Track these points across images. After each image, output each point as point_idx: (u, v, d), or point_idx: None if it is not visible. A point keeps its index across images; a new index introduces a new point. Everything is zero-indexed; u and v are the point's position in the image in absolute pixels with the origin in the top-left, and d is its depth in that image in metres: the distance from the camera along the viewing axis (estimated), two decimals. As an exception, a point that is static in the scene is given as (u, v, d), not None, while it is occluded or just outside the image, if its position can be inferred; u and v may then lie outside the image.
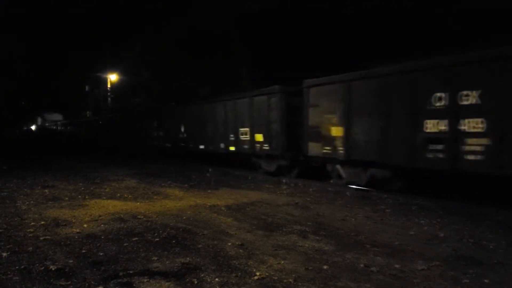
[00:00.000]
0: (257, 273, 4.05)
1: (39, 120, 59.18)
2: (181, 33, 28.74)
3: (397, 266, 4.33)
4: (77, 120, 47.30)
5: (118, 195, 8.77)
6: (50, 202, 7.86)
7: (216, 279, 3.90)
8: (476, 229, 5.91)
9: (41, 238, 5.30)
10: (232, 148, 13.92)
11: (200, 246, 5.01)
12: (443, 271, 4.19)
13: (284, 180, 11.12)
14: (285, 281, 3.88)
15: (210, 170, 13.54)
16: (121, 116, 29.25)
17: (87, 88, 53.10)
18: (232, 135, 13.94)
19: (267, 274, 4.05)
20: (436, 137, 7.65)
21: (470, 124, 7.13)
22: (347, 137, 9.52)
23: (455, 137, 7.34)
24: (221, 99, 14.58)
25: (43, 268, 4.20)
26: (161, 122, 20.89)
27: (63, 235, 5.48)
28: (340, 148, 9.71)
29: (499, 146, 6.73)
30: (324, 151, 10.20)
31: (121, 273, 4.04)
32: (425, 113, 7.76)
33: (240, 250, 4.84)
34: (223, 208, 7.40)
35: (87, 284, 3.79)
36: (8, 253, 4.68)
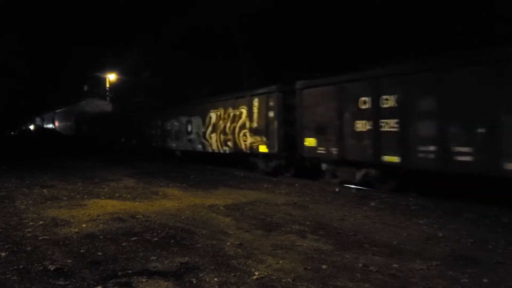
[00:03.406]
0: (256, 273, 4.05)
1: (38, 120, 58.62)
2: (181, 33, 28.74)
3: (395, 265, 4.33)
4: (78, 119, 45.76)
5: (117, 194, 8.76)
6: (48, 202, 7.86)
7: (215, 279, 3.90)
8: (475, 229, 5.92)
9: (40, 238, 5.30)
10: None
11: (199, 245, 5.01)
12: (442, 270, 4.19)
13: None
14: (284, 280, 3.88)
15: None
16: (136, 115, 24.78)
17: (85, 87, 52.97)
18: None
19: (266, 273, 4.05)
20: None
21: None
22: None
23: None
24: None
25: (41, 268, 4.19)
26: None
27: (61, 235, 5.48)
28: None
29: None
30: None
31: (119, 273, 4.04)
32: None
33: (239, 250, 4.84)
34: (221, 208, 7.40)
35: (85, 284, 3.78)
36: (7, 252, 4.68)
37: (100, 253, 4.67)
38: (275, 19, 20.37)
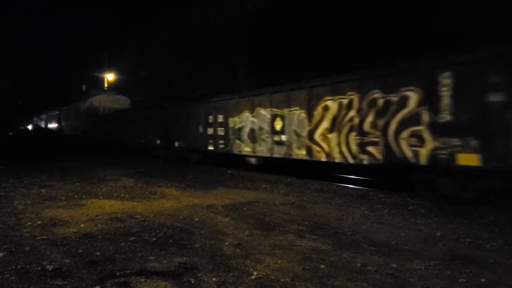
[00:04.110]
0: (254, 273, 4.05)
1: (36, 120, 58.45)
2: (180, 33, 28.76)
3: (393, 265, 4.34)
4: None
5: (115, 194, 8.76)
6: (47, 202, 7.85)
7: (213, 279, 3.90)
8: (473, 229, 5.94)
9: (38, 238, 5.29)
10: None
11: (197, 245, 5.01)
12: (440, 270, 4.21)
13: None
14: (282, 280, 3.88)
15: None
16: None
17: (83, 87, 52.88)
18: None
19: (264, 273, 4.05)
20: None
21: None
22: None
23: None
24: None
25: (39, 268, 4.19)
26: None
27: (60, 235, 5.47)
28: None
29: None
30: None
31: (118, 273, 4.04)
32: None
33: (237, 250, 4.84)
34: (220, 208, 7.40)
35: (84, 284, 3.78)
36: (5, 253, 4.67)
37: (98, 253, 4.67)
38: (273, 19, 20.38)
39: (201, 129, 15.85)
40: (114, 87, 39.24)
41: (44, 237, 5.36)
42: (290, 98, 11.38)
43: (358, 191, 9.30)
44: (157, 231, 5.66)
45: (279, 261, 4.43)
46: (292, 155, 11.32)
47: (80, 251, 4.76)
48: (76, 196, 8.48)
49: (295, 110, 11.20)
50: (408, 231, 5.81)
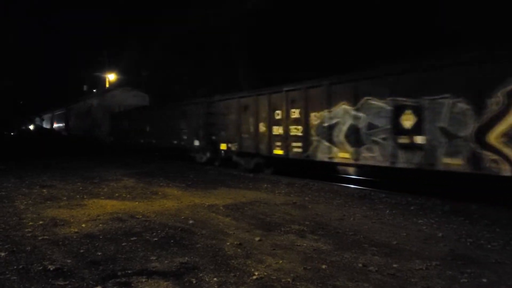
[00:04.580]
0: (256, 273, 4.05)
1: (37, 120, 58.46)
2: (179, 33, 28.79)
3: (395, 265, 4.34)
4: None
5: (117, 194, 8.76)
6: (48, 202, 7.86)
7: (215, 279, 3.91)
8: (474, 229, 5.93)
9: (39, 238, 5.30)
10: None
11: (198, 245, 5.02)
12: (441, 270, 4.20)
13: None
14: (283, 280, 3.88)
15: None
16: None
17: (85, 87, 52.95)
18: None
19: (265, 273, 4.05)
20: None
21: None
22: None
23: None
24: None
25: (41, 267, 4.19)
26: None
27: (61, 234, 5.48)
28: None
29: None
30: None
31: (119, 273, 4.04)
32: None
33: (239, 250, 4.85)
34: (221, 208, 7.40)
35: (85, 284, 3.78)
36: (6, 252, 4.68)
37: (99, 253, 4.68)
38: (273, 19, 20.38)
39: (262, 127, 12.55)
40: (115, 87, 39.27)
41: (45, 237, 5.36)
42: (433, 80, 7.92)
43: (359, 191, 9.30)
44: (159, 231, 5.66)
45: (280, 261, 4.43)
46: (436, 165, 7.89)
47: (82, 251, 4.77)
48: (78, 196, 8.49)
49: (444, 98, 7.74)
50: (409, 231, 5.80)
